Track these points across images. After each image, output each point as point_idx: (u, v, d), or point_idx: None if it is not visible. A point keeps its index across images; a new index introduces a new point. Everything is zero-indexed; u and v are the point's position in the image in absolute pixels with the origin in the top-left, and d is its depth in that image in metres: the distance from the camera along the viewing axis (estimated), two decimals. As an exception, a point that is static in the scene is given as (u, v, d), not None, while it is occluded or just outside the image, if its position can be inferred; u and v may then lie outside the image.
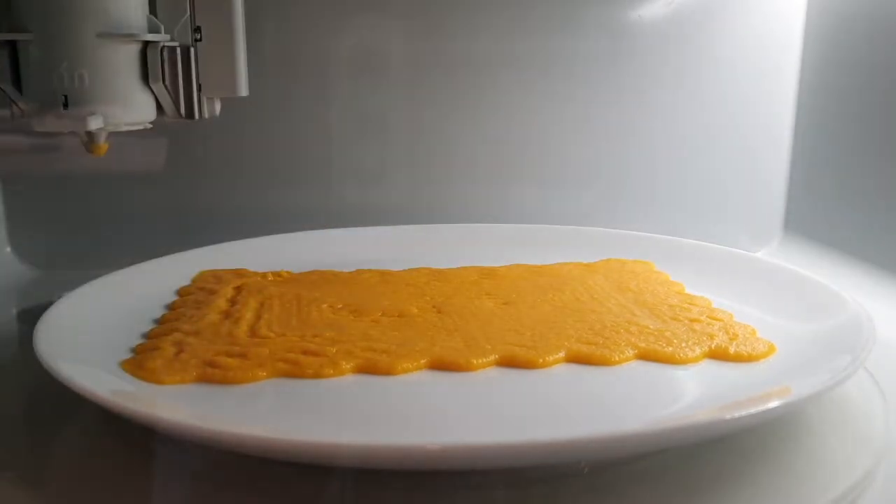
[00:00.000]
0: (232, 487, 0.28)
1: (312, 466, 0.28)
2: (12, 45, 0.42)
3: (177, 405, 0.31)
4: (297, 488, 0.28)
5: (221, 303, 0.41)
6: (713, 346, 0.35)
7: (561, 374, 0.34)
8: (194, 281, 0.45)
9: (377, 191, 0.59)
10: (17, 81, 0.42)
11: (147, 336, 0.37)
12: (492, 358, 0.34)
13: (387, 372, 0.33)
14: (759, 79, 0.60)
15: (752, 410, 0.28)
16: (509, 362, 0.34)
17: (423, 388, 0.33)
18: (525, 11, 0.56)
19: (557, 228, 0.55)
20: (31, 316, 0.42)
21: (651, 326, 0.37)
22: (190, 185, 0.57)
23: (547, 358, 0.34)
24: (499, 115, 0.58)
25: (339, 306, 0.41)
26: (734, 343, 0.35)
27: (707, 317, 0.39)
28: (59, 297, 0.39)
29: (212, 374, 0.33)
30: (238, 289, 0.44)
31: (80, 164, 0.56)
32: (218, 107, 0.47)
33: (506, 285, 0.44)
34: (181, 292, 0.43)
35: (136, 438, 0.30)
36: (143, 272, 0.45)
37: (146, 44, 0.43)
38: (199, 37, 0.45)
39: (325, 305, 0.41)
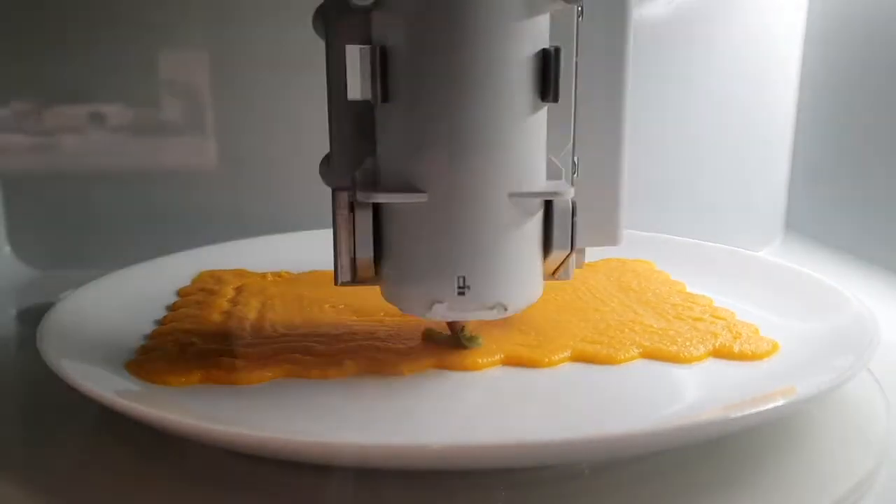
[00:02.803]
0: (233, 487, 0.28)
1: (314, 466, 0.28)
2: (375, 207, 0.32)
3: (181, 406, 0.31)
4: (299, 488, 0.28)
5: (223, 303, 0.41)
6: (717, 344, 0.35)
7: (566, 373, 0.34)
8: (194, 281, 0.45)
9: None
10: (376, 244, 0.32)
11: (149, 336, 0.37)
12: (497, 357, 0.34)
13: (392, 372, 0.33)
14: (760, 78, 0.60)
15: (756, 410, 0.28)
16: (514, 362, 0.34)
17: (428, 388, 0.32)
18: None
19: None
20: (30, 316, 0.42)
21: (655, 325, 0.37)
22: (190, 185, 0.57)
23: (552, 357, 0.34)
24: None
25: (341, 306, 0.41)
26: (738, 342, 0.35)
27: (710, 315, 0.39)
28: (60, 297, 0.39)
29: (216, 375, 0.32)
30: (238, 289, 0.44)
31: (80, 164, 0.56)
32: (583, 258, 0.36)
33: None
34: (181, 293, 0.43)
35: (136, 438, 0.30)
36: (143, 272, 0.44)
37: (548, 202, 0.32)
38: (577, 173, 0.34)
39: (327, 305, 0.41)
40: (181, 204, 0.57)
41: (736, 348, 0.35)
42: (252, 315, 0.39)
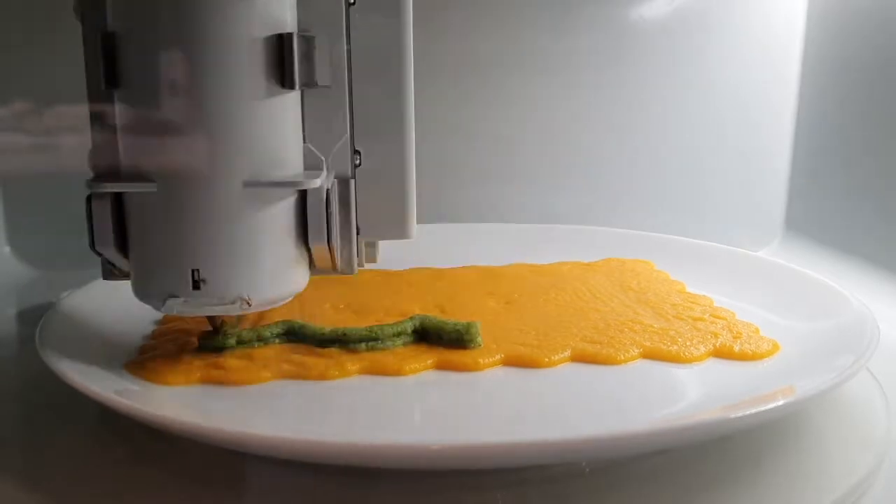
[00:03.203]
0: (233, 487, 0.28)
1: (314, 466, 0.28)
2: (117, 198, 0.31)
3: (181, 406, 0.31)
4: (298, 488, 0.28)
5: (222, 303, 0.41)
6: (717, 344, 0.35)
7: (566, 373, 0.34)
8: (195, 281, 0.45)
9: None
10: (121, 241, 0.31)
11: (149, 337, 0.37)
12: (497, 357, 0.34)
13: (393, 372, 0.33)
14: (760, 77, 0.60)
15: (756, 410, 0.28)
16: (515, 362, 0.34)
17: (428, 388, 0.32)
18: (526, 11, 0.56)
19: (557, 228, 0.55)
20: (30, 316, 0.42)
21: (655, 325, 0.37)
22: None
23: (553, 357, 0.34)
24: (499, 115, 0.58)
25: (342, 306, 0.41)
26: (738, 342, 0.35)
27: (710, 315, 0.39)
28: (59, 297, 0.39)
29: (216, 375, 0.32)
30: (239, 289, 0.44)
31: (80, 164, 0.56)
32: (378, 253, 0.36)
33: (507, 285, 0.44)
34: (182, 292, 0.43)
35: (136, 438, 0.30)
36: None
37: (303, 191, 0.31)
38: (359, 162, 0.33)
39: (327, 305, 0.41)
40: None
41: (736, 348, 0.35)
42: (252, 315, 0.39)
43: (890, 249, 0.51)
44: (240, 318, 0.36)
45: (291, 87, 0.30)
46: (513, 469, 0.28)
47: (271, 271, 0.31)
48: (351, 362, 0.33)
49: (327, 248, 0.32)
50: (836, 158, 0.58)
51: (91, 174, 0.31)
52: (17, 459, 0.30)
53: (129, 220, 0.31)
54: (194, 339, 0.35)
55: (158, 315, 0.40)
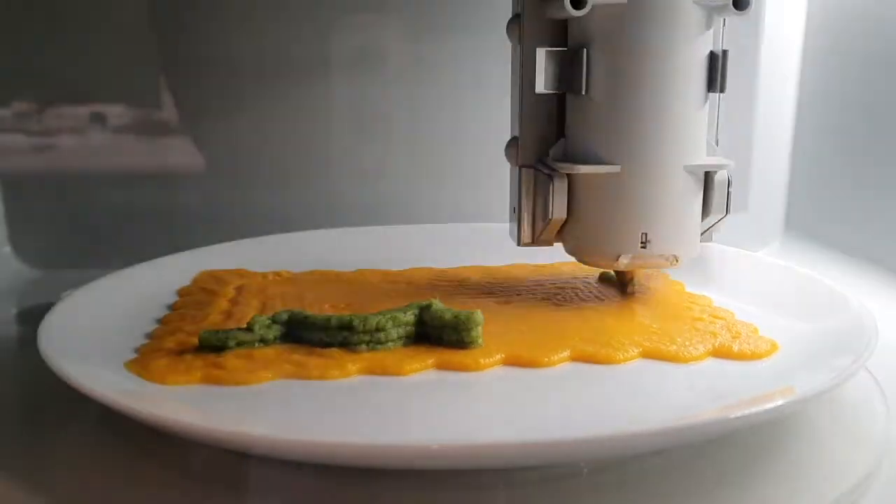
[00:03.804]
0: (233, 487, 0.28)
1: (314, 466, 0.28)
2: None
3: (181, 405, 0.31)
4: (299, 488, 0.28)
5: (223, 303, 0.41)
6: (716, 344, 0.35)
7: (566, 373, 0.34)
8: (194, 281, 0.45)
9: (377, 191, 0.59)
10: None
11: (150, 336, 0.37)
12: (497, 357, 0.34)
13: (394, 373, 0.33)
14: (760, 77, 0.60)
15: (756, 410, 0.28)
16: (515, 362, 0.34)
17: (429, 388, 0.32)
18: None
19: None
20: (30, 316, 0.42)
21: (654, 325, 0.37)
22: (190, 185, 0.57)
23: (552, 357, 0.34)
24: (499, 115, 0.58)
25: (342, 306, 0.41)
26: (737, 341, 0.35)
27: (709, 315, 0.39)
28: (60, 297, 0.39)
29: (216, 375, 0.32)
30: (239, 289, 0.44)
31: (80, 164, 0.56)
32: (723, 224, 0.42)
33: (507, 285, 0.44)
34: (181, 293, 0.43)
35: (136, 438, 0.30)
36: (143, 272, 0.44)
37: (707, 173, 0.39)
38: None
39: (327, 305, 0.41)
40: (181, 204, 0.57)
41: (735, 348, 0.35)
42: (252, 315, 0.39)
43: (890, 249, 0.51)
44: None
45: (722, 90, 0.38)
46: (513, 469, 0.28)
47: (691, 236, 0.39)
48: (351, 362, 0.33)
49: (718, 219, 0.40)
50: (836, 158, 0.58)
51: (513, 161, 0.41)
52: (17, 459, 0.30)
53: (576, 196, 0.39)
54: (194, 339, 0.35)
55: (159, 315, 0.40)
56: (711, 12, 0.37)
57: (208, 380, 0.32)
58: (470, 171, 0.59)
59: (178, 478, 0.29)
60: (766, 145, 0.61)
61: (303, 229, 0.53)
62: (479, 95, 0.58)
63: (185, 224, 0.57)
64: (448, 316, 0.35)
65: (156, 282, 0.44)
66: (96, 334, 0.36)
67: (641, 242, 0.38)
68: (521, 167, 0.40)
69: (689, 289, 0.43)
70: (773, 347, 0.35)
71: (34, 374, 0.32)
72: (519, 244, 0.41)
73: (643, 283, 0.42)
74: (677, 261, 0.39)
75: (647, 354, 0.35)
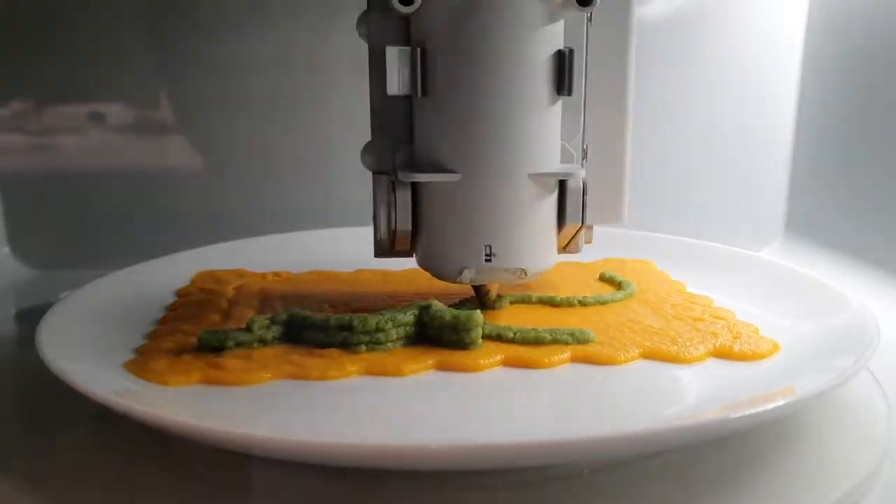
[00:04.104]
0: (233, 487, 0.28)
1: (314, 466, 0.28)
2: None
3: (181, 405, 0.31)
4: (298, 488, 0.28)
5: (222, 303, 0.41)
6: (717, 344, 0.35)
7: (566, 373, 0.34)
8: (194, 281, 0.45)
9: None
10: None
11: (149, 336, 0.37)
12: (497, 358, 0.34)
13: (393, 373, 0.33)
14: (760, 78, 0.60)
15: (756, 410, 0.28)
16: (515, 362, 0.34)
17: (428, 389, 0.32)
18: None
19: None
20: (30, 316, 0.42)
21: (655, 325, 0.37)
22: (190, 185, 0.57)
23: (552, 358, 0.34)
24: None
25: (341, 306, 0.40)
26: (738, 342, 0.35)
27: (710, 315, 0.39)
28: (59, 297, 0.39)
29: (216, 376, 0.32)
30: (238, 289, 0.44)
31: (80, 164, 0.56)
32: (592, 234, 0.40)
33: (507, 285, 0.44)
34: (181, 293, 0.43)
35: (136, 438, 0.30)
36: (142, 272, 0.44)
37: (562, 181, 0.37)
38: (586, 158, 0.39)
39: (326, 305, 0.41)
40: (181, 204, 0.57)
41: (736, 348, 0.35)
42: (251, 315, 0.39)
43: (890, 249, 0.51)
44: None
45: (569, 94, 0.35)
46: (513, 469, 0.28)
47: (542, 248, 0.37)
48: (351, 363, 0.33)
49: (576, 230, 0.38)
50: (836, 159, 0.58)
51: (368, 166, 0.38)
52: (17, 459, 0.30)
53: (424, 205, 0.37)
54: (193, 340, 0.35)
55: (158, 315, 0.40)
56: (554, 8, 0.34)
57: (207, 380, 0.32)
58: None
59: (178, 478, 0.29)
60: (767, 145, 0.61)
61: (303, 229, 0.53)
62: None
63: (185, 224, 0.57)
64: (448, 316, 0.35)
65: (155, 282, 0.44)
66: (95, 334, 0.36)
67: (486, 255, 0.36)
68: (374, 173, 0.38)
69: (690, 289, 0.43)
70: (775, 348, 0.35)
71: (33, 375, 0.32)
72: (376, 255, 0.39)
73: (502, 296, 0.40)
74: (526, 274, 0.37)
75: (648, 355, 0.35)
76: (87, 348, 0.34)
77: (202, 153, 0.57)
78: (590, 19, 0.37)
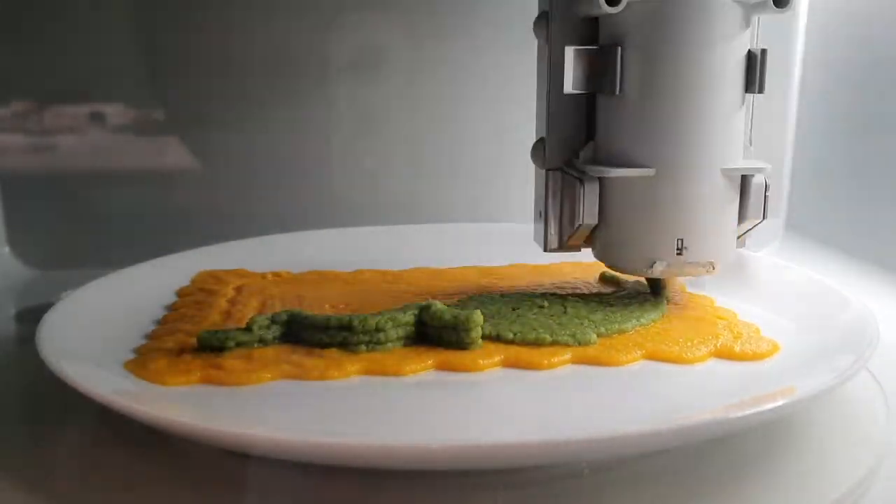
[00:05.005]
0: (233, 487, 0.28)
1: (314, 466, 0.28)
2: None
3: (181, 406, 0.31)
4: (299, 488, 0.28)
5: (222, 303, 0.41)
6: (718, 344, 0.35)
7: (567, 374, 0.34)
8: (194, 281, 0.45)
9: (377, 191, 0.59)
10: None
11: (149, 336, 0.37)
12: (497, 359, 0.34)
13: (393, 373, 0.33)
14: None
15: (756, 410, 0.28)
16: (515, 363, 0.34)
17: (428, 389, 0.32)
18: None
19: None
20: (30, 316, 0.42)
21: (657, 325, 0.37)
22: (190, 185, 0.57)
23: (552, 359, 0.34)
24: (498, 114, 0.58)
25: (341, 306, 0.41)
26: (739, 342, 0.35)
27: (712, 315, 0.39)
28: (59, 297, 0.39)
29: (215, 375, 0.32)
30: (238, 289, 0.44)
31: (80, 164, 0.56)
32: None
33: (507, 285, 0.44)
34: (181, 293, 0.43)
35: (136, 438, 0.30)
36: (143, 272, 0.44)
37: (744, 176, 0.37)
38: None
39: (326, 305, 0.41)
40: (181, 204, 0.57)
41: (737, 349, 0.35)
42: (252, 315, 0.39)
43: (890, 249, 0.51)
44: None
45: (760, 91, 0.37)
46: (513, 469, 0.28)
47: (728, 242, 0.38)
48: (351, 363, 0.33)
49: (755, 224, 0.38)
50: (836, 159, 0.58)
51: (540, 164, 0.40)
52: (17, 459, 0.30)
53: (608, 200, 0.38)
54: (193, 340, 0.35)
55: (158, 315, 0.40)
56: (749, 10, 0.36)
57: (207, 380, 0.32)
58: (470, 171, 0.59)
59: (177, 478, 0.29)
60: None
61: (303, 229, 0.53)
62: (479, 95, 0.58)
63: (185, 224, 0.57)
64: (447, 316, 0.35)
65: (155, 282, 0.44)
66: (96, 334, 0.36)
67: (677, 249, 0.37)
68: (548, 170, 0.39)
69: (690, 289, 0.43)
70: (775, 348, 0.35)
71: (34, 375, 0.32)
72: (545, 250, 0.40)
73: (676, 290, 0.41)
74: (714, 268, 0.37)
75: (650, 356, 0.35)
76: (87, 348, 0.34)
77: (202, 153, 0.57)
78: (759, 21, 0.38)
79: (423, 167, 0.59)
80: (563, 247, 0.40)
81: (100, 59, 0.55)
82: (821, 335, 0.36)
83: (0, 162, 0.55)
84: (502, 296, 0.41)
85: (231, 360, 0.33)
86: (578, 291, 0.42)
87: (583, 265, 0.48)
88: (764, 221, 0.38)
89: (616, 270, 0.39)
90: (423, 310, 0.36)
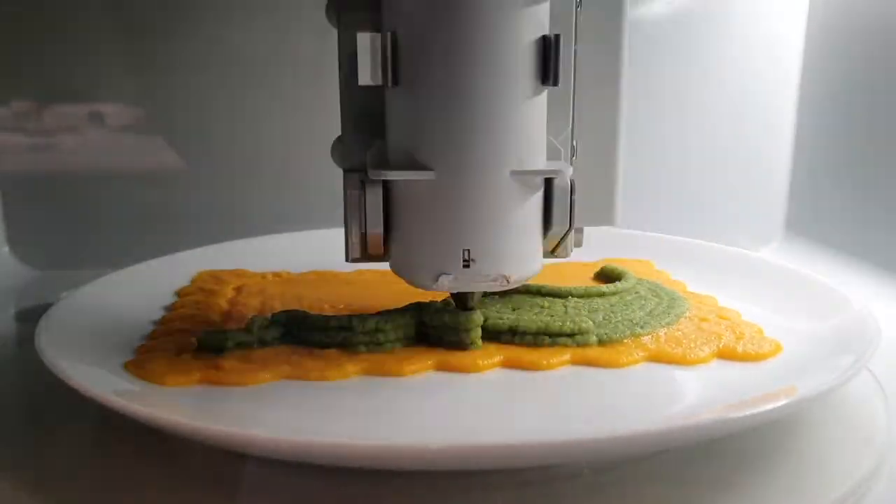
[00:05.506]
0: (233, 487, 0.28)
1: (314, 466, 0.28)
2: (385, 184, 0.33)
3: (180, 406, 0.31)
4: (298, 488, 0.28)
5: (222, 303, 0.41)
6: (721, 345, 0.35)
7: (567, 374, 0.34)
8: (194, 281, 0.45)
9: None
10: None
11: (149, 337, 0.37)
12: (497, 359, 0.34)
13: (393, 373, 0.33)
14: (761, 78, 0.60)
15: (757, 410, 0.28)
16: (514, 363, 0.34)
17: (428, 389, 0.32)
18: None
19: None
20: (29, 316, 0.42)
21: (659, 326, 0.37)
22: (190, 185, 0.57)
23: (552, 360, 0.34)
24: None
25: (341, 306, 0.40)
26: (741, 342, 0.35)
27: (715, 315, 0.39)
28: (59, 297, 0.39)
29: (215, 376, 0.32)
30: (238, 289, 0.44)
31: (80, 164, 0.56)
32: (582, 238, 0.36)
33: (507, 285, 0.44)
34: (181, 293, 0.43)
35: (136, 438, 0.30)
36: (142, 272, 0.44)
37: (548, 180, 0.34)
38: (575, 155, 0.36)
39: (326, 305, 0.41)
40: (181, 204, 0.57)
41: (739, 349, 0.35)
42: (252, 315, 0.39)
43: (890, 250, 0.51)
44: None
45: (555, 83, 0.32)
46: (513, 469, 0.28)
47: (527, 253, 0.34)
48: (350, 363, 0.33)
49: (563, 233, 0.35)
50: (836, 158, 0.58)
51: (338, 163, 0.35)
52: (16, 459, 0.30)
53: (397, 206, 0.34)
54: (193, 340, 0.35)
55: (158, 315, 0.40)
56: None
57: (207, 380, 0.32)
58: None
59: (177, 478, 0.29)
60: (768, 145, 0.61)
61: (303, 229, 0.53)
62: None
63: (185, 224, 0.57)
64: (447, 316, 0.35)
65: (155, 282, 0.44)
66: (95, 334, 0.36)
67: (464, 261, 0.33)
68: (345, 171, 0.35)
69: (694, 289, 0.43)
70: (777, 348, 0.35)
71: (33, 375, 0.32)
72: (347, 259, 0.35)
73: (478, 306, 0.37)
74: (508, 281, 0.33)
75: (653, 357, 0.34)
76: (87, 348, 0.34)
77: (202, 153, 0.57)
78: (579, 4, 0.34)
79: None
80: (364, 256, 0.35)
81: (100, 59, 0.55)
82: (821, 335, 0.36)
83: (0, 162, 0.55)
84: (502, 296, 0.41)
85: (231, 361, 0.33)
86: (579, 291, 0.42)
87: (583, 265, 0.48)
88: (573, 229, 0.35)
89: (408, 283, 0.35)
90: (423, 310, 0.36)
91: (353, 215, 0.34)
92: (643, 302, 0.40)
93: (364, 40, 0.32)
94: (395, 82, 0.32)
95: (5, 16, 0.53)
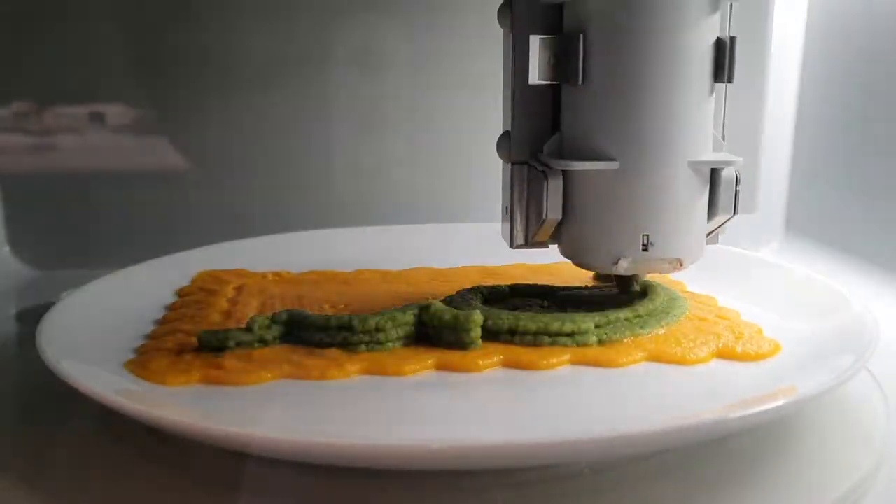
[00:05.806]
0: (233, 487, 0.28)
1: (314, 466, 0.28)
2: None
3: (181, 406, 0.31)
4: (298, 489, 0.28)
5: (222, 303, 0.41)
6: (720, 345, 0.35)
7: (567, 374, 0.34)
8: (194, 281, 0.45)
9: (377, 191, 0.59)
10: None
11: (149, 336, 0.37)
12: (497, 359, 0.34)
13: (393, 373, 0.33)
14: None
15: (757, 410, 0.28)
16: (514, 363, 0.34)
17: (428, 389, 0.32)
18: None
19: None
20: (30, 316, 0.42)
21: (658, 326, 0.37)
22: (190, 185, 0.57)
23: (551, 360, 0.34)
24: (499, 113, 0.58)
25: (341, 306, 0.41)
26: (740, 342, 0.35)
27: (714, 315, 0.39)
28: (59, 297, 0.39)
29: (216, 376, 0.32)
30: (238, 289, 0.44)
31: (80, 164, 0.56)
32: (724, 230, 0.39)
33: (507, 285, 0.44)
34: (181, 293, 0.43)
35: (136, 438, 0.30)
36: (143, 272, 0.44)
37: (713, 169, 0.36)
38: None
39: (326, 305, 0.41)
40: (181, 204, 0.57)
41: (738, 349, 0.35)
42: (252, 315, 0.39)
43: (890, 249, 0.51)
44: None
45: (730, 80, 0.35)
46: (513, 469, 0.28)
47: (697, 238, 0.37)
48: (351, 363, 0.33)
49: (726, 219, 0.37)
50: (836, 159, 0.58)
51: (505, 158, 0.38)
52: (17, 459, 0.30)
53: (574, 194, 0.36)
54: (194, 340, 0.35)
55: (158, 315, 0.40)
56: None
57: (208, 380, 0.32)
58: (470, 170, 0.59)
59: (178, 478, 0.29)
60: (767, 145, 0.61)
61: (303, 229, 0.53)
62: (478, 93, 0.57)
63: (185, 224, 0.57)
64: (447, 316, 0.35)
65: (155, 282, 0.44)
66: (96, 334, 0.36)
67: (643, 245, 0.36)
68: (513, 164, 0.38)
69: (694, 288, 0.43)
70: (776, 348, 0.35)
71: (34, 375, 0.32)
72: (512, 246, 0.38)
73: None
74: (681, 265, 0.36)
75: (652, 357, 0.34)
76: (87, 348, 0.34)
77: (202, 153, 0.57)
78: (731, 8, 0.36)
79: (424, 167, 0.59)
80: (529, 243, 0.38)
81: (100, 59, 0.55)
82: (821, 335, 0.36)
83: (0, 162, 0.55)
84: (503, 298, 0.41)
85: (231, 360, 0.33)
86: (578, 291, 0.42)
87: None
88: (736, 217, 0.37)
89: (582, 267, 0.38)
90: (423, 310, 0.36)
91: (522, 204, 0.38)
92: (643, 302, 0.40)
93: (535, 42, 0.36)
94: (583, 80, 0.35)
95: (5, 16, 0.53)
